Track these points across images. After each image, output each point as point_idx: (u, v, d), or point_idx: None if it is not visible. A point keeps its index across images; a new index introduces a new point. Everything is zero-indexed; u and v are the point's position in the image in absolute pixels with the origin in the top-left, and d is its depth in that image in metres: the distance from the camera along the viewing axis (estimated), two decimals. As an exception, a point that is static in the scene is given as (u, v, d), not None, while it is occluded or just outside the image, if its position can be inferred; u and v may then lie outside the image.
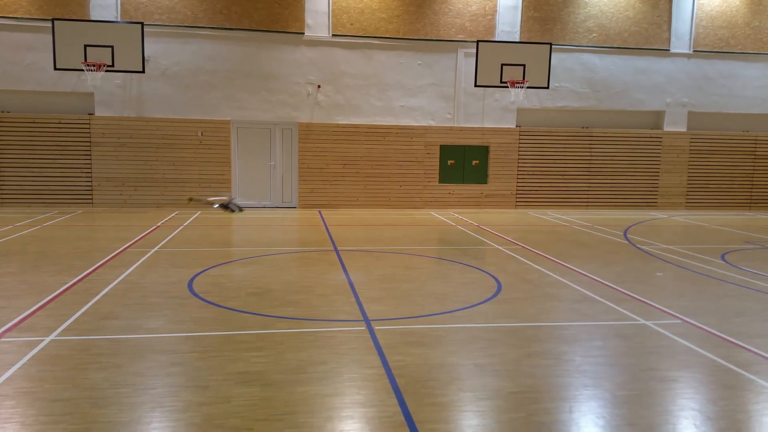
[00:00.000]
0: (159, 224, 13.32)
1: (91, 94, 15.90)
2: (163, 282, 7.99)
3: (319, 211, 16.36)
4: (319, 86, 16.65)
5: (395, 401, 4.45)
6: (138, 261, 9.29)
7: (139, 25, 14.88)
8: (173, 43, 15.98)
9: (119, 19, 15.51)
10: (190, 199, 9.29)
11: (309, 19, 16.38)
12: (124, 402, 4.36)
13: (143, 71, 15.14)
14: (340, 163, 16.93)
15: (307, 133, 16.75)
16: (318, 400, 4.46)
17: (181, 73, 16.11)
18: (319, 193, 16.98)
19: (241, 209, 9.45)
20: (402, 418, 4.20)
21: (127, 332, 5.92)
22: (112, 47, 14.66)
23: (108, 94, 15.92)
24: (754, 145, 18.68)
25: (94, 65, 14.55)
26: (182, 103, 16.19)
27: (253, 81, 16.41)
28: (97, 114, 15.94)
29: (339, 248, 10.78)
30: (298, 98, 16.66)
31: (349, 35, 16.60)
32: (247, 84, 16.40)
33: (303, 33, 16.40)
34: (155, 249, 10.36)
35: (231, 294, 7.43)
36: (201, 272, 8.60)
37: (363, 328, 6.17)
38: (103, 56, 14.63)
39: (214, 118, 16.35)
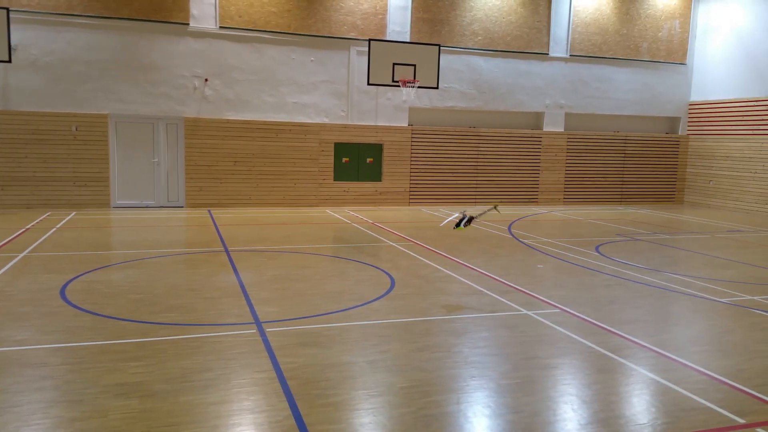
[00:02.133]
0: (29, 226, 12.29)
1: (-53, 84, 14.38)
2: (32, 289, 7.36)
3: (209, 211, 15.79)
4: (206, 80, 16.06)
5: (286, 405, 4.36)
6: (4, 267, 8.51)
7: (4, 11, 13.62)
8: (44, 31, 14.78)
9: (-21, 3, 14.13)
10: (495, 207, 8.64)
11: (194, 10, 15.74)
12: (-17, 424, 3.96)
13: (9, 61, 13.90)
14: (230, 160, 16.44)
15: (194, 128, 16.10)
16: (203, 409, 4.27)
17: (54, 63, 14.94)
18: (208, 191, 16.39)
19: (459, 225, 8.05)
20: (293, 421, 4.12)
21: (-12, 346, 5.39)
22: (-30, 33, 13.33)
23: (-33, 84, 14.47)
24: (624, 145, 20.18)
25: (-51, 52, 13.16)
26: (54, 95, 15.02)
27: (133, 73, 15.53)
28: (-46, 106, 14.45)
29: (229, 249, 10.45)
30: (184, 92, 15.97)
31: (237, 28, 16.12)
32: (127, 76, 15.49)
33: (188, 24, 15.73)
34: (24, 253, 9.53)
35: (108, 300, 6.97)
36: (75, 278, 8.01)
37: (254, 331, 6.00)
38: (-40, 42, 13.27)
39: (90, 111, 15.31)
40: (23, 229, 11.90)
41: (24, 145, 14.84)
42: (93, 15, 14.99)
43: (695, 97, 20.49)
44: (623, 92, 19.90)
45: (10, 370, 4.86)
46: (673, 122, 20.87)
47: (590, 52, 19.28)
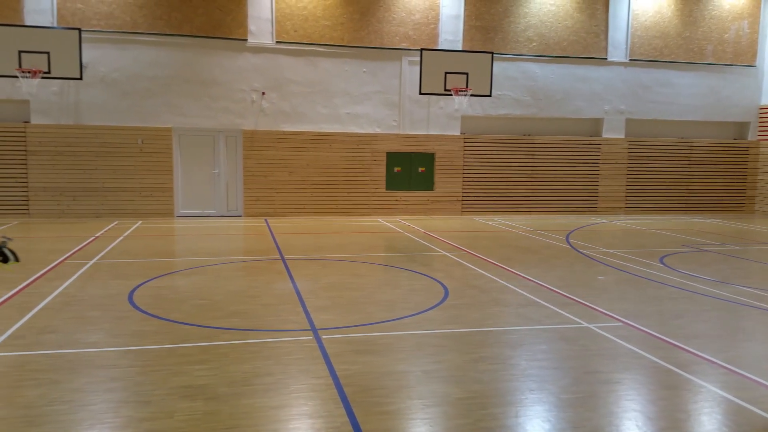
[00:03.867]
0: (98, 235, 12.85)
1: (27, 102, 15.23)
2: (103, 294, 7.70)
3: (266, 220, 16.14)
4: (263, 93, 16.46)
5: (343, 411, 4.40)
6: (76, 273, 8.93)
7: (76, 31, 14.37)
8: (112, 49, 15.50)
9: (55, 25, 14.94)
10: None
11: (252, 26, 16.19)
12: (62, 420, 4.16)
13: (81, 78, 14.63)
14: (286, 170, 16.77)
15: (252, 140, 16.52)
16: (264, 412, 4.36)
17: (120, 79, 15.64)
18: (265, 201, 16.75)
19: (17, 259, 6.56)
20: (350, 427, 4.15)
21: (64, 347, 5.67)
22: (48, 53, 14.11)
23: (44, 101, 15.29)
24: (689, 151, 19.49)
25: (29, 72, 13.95)
26: (121, 110, 15.71)
27: (195, 87, 16.08)
28: (33, 122, 15.29)
29: (285, 257, 10.64)
30: (242, 105, 16.42)
31: (293, 42, 16.49)
32: (189, 91, 16.05)
33: (246, 39, 16.19)
34: (94, 260, 9.97)
35: (173, 306, 7.21)
36: (142, 284, 8.32)
37: (310, 337, 6.09)
38: (38, 63, 14.06)
39: (155, 125, 15.92)
40: (93, 238, 12.45)
41: (94, 157, 15.56)
42: (157, 32, 15.62)
43: (767, 101, 19.60)
44: (687, 97, 19.24)
45: (83, 370, 5.10)
46: (741, 127, 20.02)
47: (651, 56, 18.76)
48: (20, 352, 5.51)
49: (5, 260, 6.46)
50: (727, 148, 19.75)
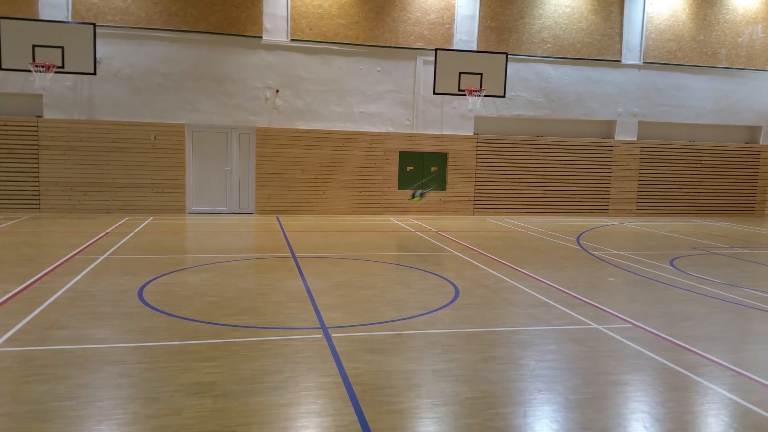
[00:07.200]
0: (109, 230, 12.95)
1: (40, 96, 15.38)
2: (112, 290, 7.75)
3: (277, 217, 16.19)
4: (277, 91, 16.51)
5: (352, 410, 4.41)
6: (86, 268, 8.99)
7: (91, 26, 14.48)
8: (126, 44, 15.61)
9: (70, 20, 15.06)
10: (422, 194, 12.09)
11: (267, 23, 16.24)
12: (69, 415, 4.19)
13: (95, 73, 14.74)
14: (298, 168, 16.81)
15: (265, 138, 16.57)
16: (273, 410, 4.38)
17: (134, 75, 15.74)
18: (277, 199, 16.81)
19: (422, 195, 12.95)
20: (359, 426, 4.16)
21: (73, 342, 5.71)
22: (62, 48, 14.23)
23: (57, 96, 15.43)
24: (700, 154, 19.36)
25: (42, 66, 14.08)
26: (135, 106, 15.82)
27: (209, 84, 16.16)
28: (45, 116, 15.43)
29: (297, 255, 10.68)
30: (256, 102, 16.48)
31: (308, 40, 16.53)
32: (203, 87, 16.14)
33: (261, 37, 16.25)
34: (104, 256, 10.05)
35: (183, 302, 7.25)
36: (152, 280, 8.38)
37: (320, 335, 6.11)
38: (52, 57, 14.18)
39: (168, 121, 16.01)
40: (103, 233, 12.54)
41: (106, 153, 15.68)
42: (171, 29, 15.71)
43: (779, 105, 19.43)
44: (699, 100, 19.12)
45: (91, 366, 5.13)
46: (753, 131, 19.87)
47: (665, 59, 18.65)
48: (28, 347, 5.54)
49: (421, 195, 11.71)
50: (738, 152, 19.60)
